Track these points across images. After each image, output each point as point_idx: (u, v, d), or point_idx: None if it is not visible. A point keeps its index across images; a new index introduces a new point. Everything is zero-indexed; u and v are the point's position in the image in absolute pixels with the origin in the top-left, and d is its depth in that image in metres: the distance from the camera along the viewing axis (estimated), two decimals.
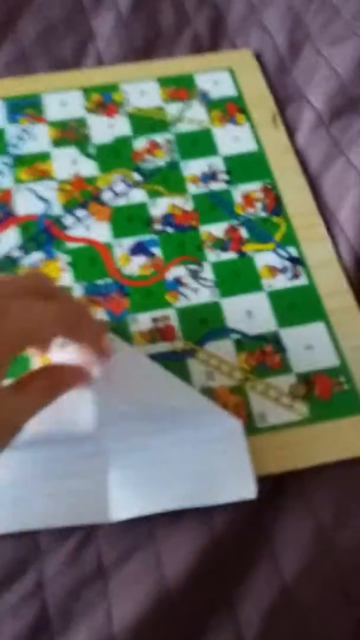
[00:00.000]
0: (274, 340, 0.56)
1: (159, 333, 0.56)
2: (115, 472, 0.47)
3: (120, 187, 0.64)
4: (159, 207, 0.63)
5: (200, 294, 0.58)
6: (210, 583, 0.45)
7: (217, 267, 0.60)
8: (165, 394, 0.50)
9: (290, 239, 0.62)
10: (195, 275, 0.60)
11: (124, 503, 0.46)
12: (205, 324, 0.57)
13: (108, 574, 0.46)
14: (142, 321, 0.56)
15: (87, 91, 0.72)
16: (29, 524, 0.47)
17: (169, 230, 0.62)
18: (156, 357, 0.54)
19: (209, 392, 0.53)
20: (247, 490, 0.46)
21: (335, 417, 0.53)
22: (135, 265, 0.60)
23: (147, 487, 0.46)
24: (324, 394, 0.54)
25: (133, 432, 0.47)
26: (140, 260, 0.60)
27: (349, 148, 0.68)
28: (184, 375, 0.54)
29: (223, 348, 0.56)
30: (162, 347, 0.55)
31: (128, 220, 0.62)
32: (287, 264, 0.61)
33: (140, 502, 0.46)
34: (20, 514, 0.47)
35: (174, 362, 0.54)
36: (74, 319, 0.43)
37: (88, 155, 0.67)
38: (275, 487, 0.50)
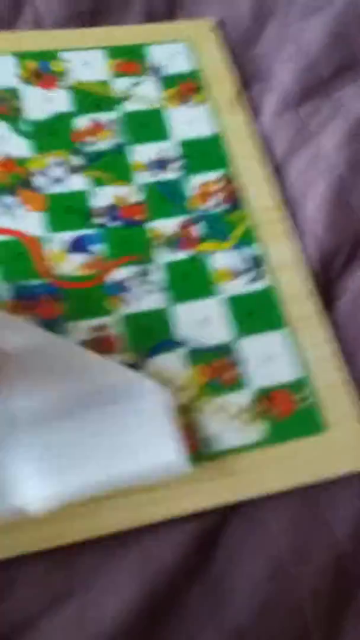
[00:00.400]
0: (230, 351, 0.50)
1: (99, 344, 0.49)
2: (31, 463, 0.41)
3: (56, 172, 0.56)
4: (102, 197, 0.56)
5: (147, 299, 0.52)
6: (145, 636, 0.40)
7: (168, 268, 0.53)
8: (81, 371, 0.46)
9: (250, 236, 0.56)
10: (142, 277, 0.53)
11: (45, 492, 0.40)
12: (153, 334, 0.50)
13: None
14: (79, 330, 0.49)
15: (21, 57, 0.62)
16: None
17: (113, 224, 0.55)
18: None
19: None
20: (177, 463, 0.42)
21: (295, 437, 0.47)
22: (72, 265, 0.52)
23: (66, 472, 0.42)
24: (284, 412, 0.48)
25: (48, 416, 0.43)
26: (78, 258, 0.53)
27: (319, 133, 0.62)
28: None
29: (173, 362, 0.49)
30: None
31: (65, 211, 0.55)
32: (246, 265, 0.54)
33: (62, 489, 0.40)
34: None
35: None
36: None
37: (20, 133, 0.58)
38: (224, 519, 0.44)
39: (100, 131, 0.59)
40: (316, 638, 0.41)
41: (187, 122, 0.62)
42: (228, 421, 0.48)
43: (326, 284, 0.55)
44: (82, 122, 0.60)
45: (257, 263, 0.55)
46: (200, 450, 0.46)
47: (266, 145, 0.63)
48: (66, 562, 0.41)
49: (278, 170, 0.61)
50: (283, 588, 0.42)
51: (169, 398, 0.45)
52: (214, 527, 0.44)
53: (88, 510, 0.42)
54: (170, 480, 0.44)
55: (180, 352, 0.50)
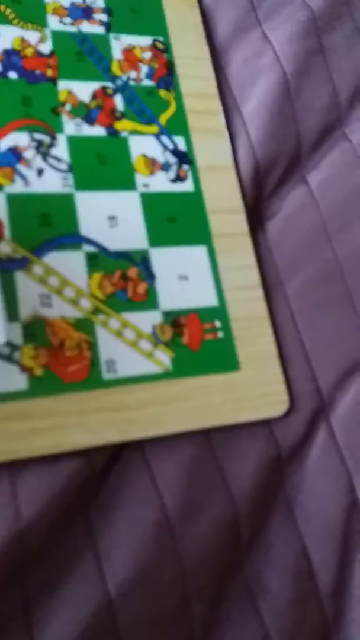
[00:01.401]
0: (142, 262, 0.41)
1: None
2: None
3: None
4: (2, 38, 0.43)
5: (46, 178, 0.41)
6: (4, 595, 0.32)
7: (76, 144, 0.42)
8: None
9: (179, 124, 0.46)
10: (42, 150, 0.41)
11: None
12: (48, 225, 0.40)
13: None
14: None
15: None
16: None
17: (12, 75, 0.42)
18: None
19: (40, 323, 0.37)
20: None
21: (202, 373, 0.40)
22: None
23: None
24: (193, 342, 0.40)
25: None
26: None
27: (268, 19, 0.52)
28: (8, 294, 0.37)
29: (70, 263, 0.39)
30: None
31: None
32: (171, 158, 0.44)
33: None
34: None
35: None
36: None
37: None
38: (108, 465, 0.36)
39: None
40: (196, 612, 0.35)
41: None
42: (130, 345, 0.39)
43: (256, 200, 0.47)
44: None
45: (183, 159, 0.45)
46: (93, 375, 0.37)
47: (208, 22, 0.52)
48: None
49: (218, 55, 0.51)
50: (165, 551, 0.36)
51: None
52: (100, 467, 0.36)
53: None
54: (51, 411, 0.35)
55: (80, 253, 0.40)
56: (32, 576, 0.33)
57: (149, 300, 0.40)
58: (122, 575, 0.34)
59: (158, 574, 0.35)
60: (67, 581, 0.33)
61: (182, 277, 0.42)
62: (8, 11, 0.44)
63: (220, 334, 0.41)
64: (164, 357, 0.39)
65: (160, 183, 0.44)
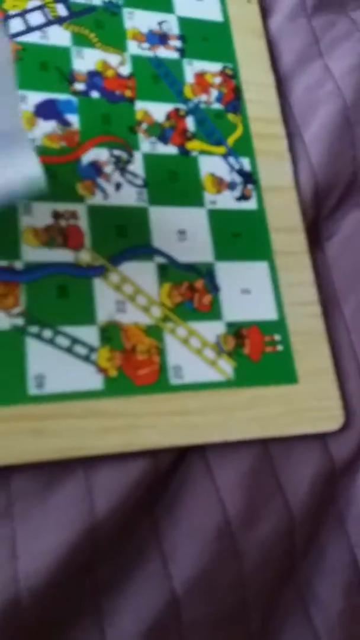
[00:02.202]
0: (208, 274, 0.43)
1: (61, 235, 0.40)
2: None
3: (36, 18, 0.45)
4: (86, 60, 0.46)
5: (123, 192, 0.43)
6: (75, 586, 0.34)
7: (151, 161, 0.44)
8: None
9: (245, 146, 0.48)
10: (121, 165, 0.44)
11: None
12: (124, 236, 0.42)
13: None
14: (39, 214, 0.40)
15: None
16: None
17: (94, 94, 0.45)
18: (50, 269, 0.39)
19: (115, 328, 0.39)
20: (32, 177, 0.35)
21: (262, 384, 0.42)
22: (39, 132, 0.42)
23: None
24: (254, 353, 0.42)
25: None
26: (48, 126, 0.43)
27: (330, 51, 0.54)
28: (87, 299, 0.39)
29: (142, 273, 0.41)
30: (62, 255, 0.40)
31: (41, 67, 0.44)
32: (237, 178, 0.47)
33: None
34: None
35: (76, 279, 0.39)
36: None
37: None
38: (173, 466, 0.38)
39: None
40: (254, 615, 0.36)
41: None
42: (195, 353, 0.41)
43: (316, 220, 0.49)
44: None
45: (247, 179, 0.47)
46: (161, 380, 0.39)
47: (273, 51, 0.54)
48: (2, 485, 0.33)
49: (282, 82, 0.53)
50: (227, 554, 0.37)
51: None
52: (165, 468, 0.38)
53: (34, 432, 0.35)
54: (123, 411, 0.37)
55: (152, 263, 0.42)
56: (103, 570, 0.34)
57: (213, 311, 0.42)
58: (186, 574, 0.35)
59: (219, 576, 0.36)
60: (135, 577, 0.34)
61: (245, 291, 0.44)
62: (92, 35, 0.47)
63: (280, 347, 0.43)
64: (227, 366, 0.41)
65: (226, 201, 0.46)
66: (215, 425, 0.39)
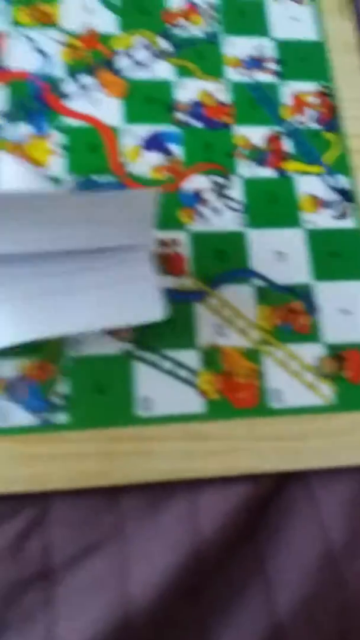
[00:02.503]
0: (306, 295, 0.43)
1: (166, 262, 0.42)
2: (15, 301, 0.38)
3: (142, 54, 0.47)
4: (188, 90, 0.47)
5: (223, 217, 0.44)
6: (183, 608, 0.35)
7: (250, 185, 0.45)
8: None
9: (343, 164, 0.48)
10: (220, 191, 0.45)
11: (17, 328, 0.37)
12: (223, 260, 0.43)
13: (56, 575, 0.34)
14: None
15: None
16: None
17: (196, 124, 0.46)
18: None
19: (215, 352, 0.40)
20: (153, 311, 0.39)
21: None
22: (146, 164, 0.44)
23: (46, 312, 0.38)
24: (356, 377, 0.42)
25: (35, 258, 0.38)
26: (154, 158, 0.45)
27: None
28: (188, 324, 0.41)
29: (241, 296, 0.43)
30: (166, 281, 0.42)
31: (146, 100, 0.46)
32: (335, 197, 0.47)
33: (36, 326, 0.38)
34: None
35: (178, 304, 0.41)
36: None
37: (108, 5, 0.49)
38: (275, 491, 0.38)
39: (194, 15, 0.50)
40: None
41: (290, 19, 0.53)
42: (294, 376, 0.41)
43: None
44: (175, 2, 0.50)
45: (346, 197, 0.47)
46: (261, 403, 0.40)
47: None
48: (112, 503, 0.35)
49: None
50: (331, 583, 0.37)
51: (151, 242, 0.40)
52: (267, 492, 0.38)
53: (142, 454, 0.37)
54: (225, 435, 0.38)
55: (250, 286, 0.43)
56: (208, 593, 0.35)
57: (313, 333, 0.43)
58: (290, 601, 0.36)
59: (323, 605, 0.36)
60: (239, 601, 0.35)
61: (345, 311, 0.44)
62: (193, 66, 0.48)
63: None
64: (327, 390, 0.41)
65: (325, 220, 0.46)
66: (317, 451, 0.39)
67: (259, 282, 0.43)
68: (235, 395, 0.40)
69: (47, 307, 0.38)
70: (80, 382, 0.38)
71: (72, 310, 0.38)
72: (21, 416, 0.37)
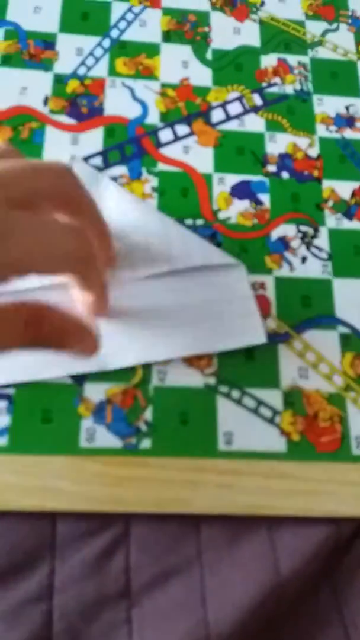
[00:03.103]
0: None
1: None
2: (111, 322, 0.40)
3: (235, 108, 0.50)
4: (278, 143, 0.49)
5: (309, 265, 0.45)
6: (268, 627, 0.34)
7: (336, 236, 0.46)
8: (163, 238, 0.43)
9: None
10: (307, 240, 0.46)
11: (119, 352, 0.40)
12: (308, 306, 0.44)
13: (135, 596, 0.34)
14: None
15: None
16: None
17: (285, 175, 0.48)
18: None
19: (298, 393, 0.40)
20: (256, 335, 0.42)
21: None
22: (235, 210, 0.46)
23: (144, 337, 0.40)
24: None
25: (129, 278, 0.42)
26: (242, 205, 0.47)
27: None
28: (272, 364, 0.41)
29: (325, 342, 0.43)
30: None
31: (237, 151, 0.48)
32: None
33: (137, 351, 0.40)
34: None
35: (262, 345, 0.42)
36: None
37: (203, 61, 0.52)
38: (355, 536, 0.37)
39: (286, 73, 0.53)
40: None
41: None
42: None
43: None
44: (269, 61, 0.53)
45: None
46: (343, 448, 0.39)
47: None
48: (192, 532, 0.35)
49: None
50: None
51: (245, 269, 0.44)
52: (347, 536, 0.37)
53: (223, 486, 0.37)
54: (306, 476, 0.38)
55: (335, 333, 0.43)
56: (285, 630, 0.35)
57: None
58: None
59: None
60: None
61: None
62: (284, 121, 0.50)
63: None
64: None
65: None
66: None
67: (344, 330, 0.43)
68: (318, 438, 0.40)
69: (156, 330, 0.41)
70: (164, 412, 0.39)
71: (178, 334, 0.41)
72: (107, 438, 0.38)
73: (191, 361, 0.41)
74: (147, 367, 0.40)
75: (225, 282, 0.43)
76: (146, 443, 0.38)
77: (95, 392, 0.39)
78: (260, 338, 0.41)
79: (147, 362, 0.40)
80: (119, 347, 0.40)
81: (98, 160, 0.47)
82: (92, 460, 0.37)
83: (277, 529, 0.36)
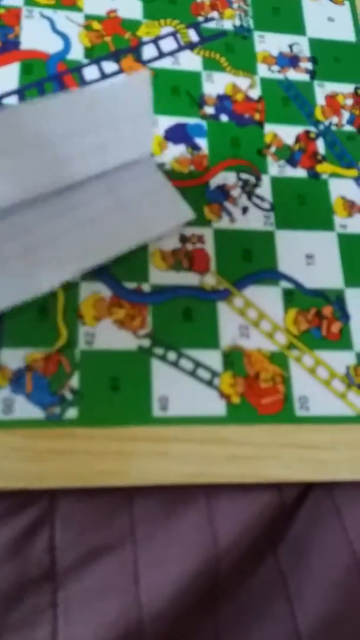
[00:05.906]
0: (337, 301, 0.41)
1: (187, 259, 0.40)
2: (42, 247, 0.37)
3: (168, 44, 0.46)
4: (216, 84, 0.46)
5: (250, 216, 0.42)
6: (197, 620, 0.32)
7: (279, 184, 0.43)
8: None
9: None
10: (248, 189, 0.43)
11: (55, 269, 0.37)
12: (249, 260, 0.41)
13: (61, 578, 0.31)
14: (166, 238, 0.40)
15: None
16: None
17: (223, 118, 0.45)
18: (176, 292, 0.38)
19: (238, 353, 0.38)
20: (184, 214, 0.40)
21: None
22: (169, 156, 0.43)
23: (77, 247, 0.38)
24: None
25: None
26: (178, 150, 0.43)
27: None
28: (210, 323, 0.38)
29: (267, 297, 0.40)
30: (187, 278, 0.39)
31: (172, 91, 0.45)
32: None
33: (72, 263, 0.37)
34: None
35: (200, 303, 0.39)
36: None
37: None
38: (297, 502, 0.35)
39: (225, 8, 0.49)
40: None
41: (326, 18, 0.51)
42: (323, 384, 0.39)
43: None
44: None
45: None
46: (286, 410, 0.37)
47: None
48: (124, 506, 0.33)
49: None
50: (355, 597, 0.34)
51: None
52: (289, 502, 0.35)
53: (158, 455, 0.35)
54: (246, 440, 0.36)
55: (278, 288, 0.40)
56: (224, 604, 0.33)
57: (343, 340, 0.40)
58: (312, 615, 0.33)
59: (346, 619, 0.33)
60: (258, 615, 0.33)
61: None
62: (222, 59, 0.47)
63: None
64: (357, 400, 0.39)
65: (358, 225, 0.44)
66: (345, 463, 0.37)
67: (287, 285, 0.41)
68: (259, 400, 0.37)
69: (72, 244, 0.38)
70: (93, 377, 0.36)
71: (99, 239, 0.38)
72: (27, 409, 0.34)
73: (123, 322, 0.37)
74: (72, 329, 0.37)
75: (133, 175, 0.40)
76: (72, 413, 0.35)
77: (12, 359, 0.35)
78: (188, 215, 0.40)
79: (86, 269, 0.37)
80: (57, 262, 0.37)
81: (13, 100, 0.42)
82: (9, 434, 0.33)
83: (215, 498, 0.34)
